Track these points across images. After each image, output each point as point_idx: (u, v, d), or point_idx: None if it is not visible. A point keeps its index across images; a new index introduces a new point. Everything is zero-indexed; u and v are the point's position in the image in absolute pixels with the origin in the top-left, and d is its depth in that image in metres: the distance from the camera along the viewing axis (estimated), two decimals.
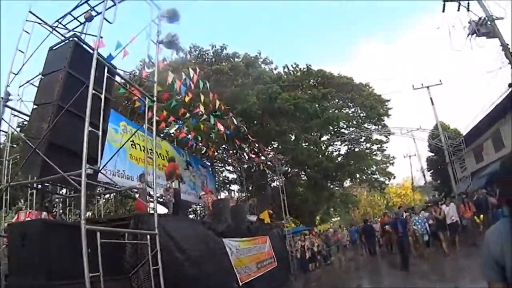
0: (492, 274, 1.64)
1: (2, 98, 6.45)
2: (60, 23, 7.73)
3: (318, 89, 20.59)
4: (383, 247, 18.28)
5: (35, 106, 6.38)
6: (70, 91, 6.18)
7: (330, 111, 17.41)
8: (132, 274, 6.22)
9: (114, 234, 6.03)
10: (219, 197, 15.02)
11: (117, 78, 7.50)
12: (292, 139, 16.93)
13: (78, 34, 7.05)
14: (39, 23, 7.19)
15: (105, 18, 6.61)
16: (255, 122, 15.97)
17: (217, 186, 22.26)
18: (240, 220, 13.00)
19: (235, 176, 23.98)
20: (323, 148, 23.03)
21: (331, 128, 19.98)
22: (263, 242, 13.15)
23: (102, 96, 5.97)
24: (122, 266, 6.34)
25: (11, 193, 10.49)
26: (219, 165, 23.62)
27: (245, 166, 18.20)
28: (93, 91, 5.80)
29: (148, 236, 6.16)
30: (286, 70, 18.21)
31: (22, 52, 6.77)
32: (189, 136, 14.13)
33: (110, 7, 7.05)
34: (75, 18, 7.83)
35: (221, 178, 25.12)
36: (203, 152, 16.43)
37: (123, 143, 11.59)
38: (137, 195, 9.18)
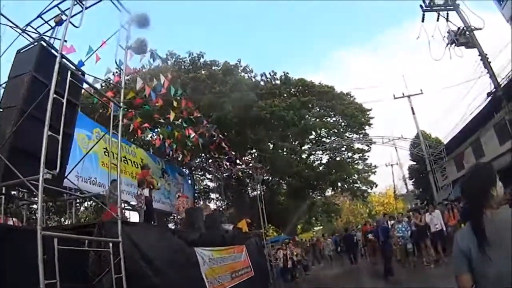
0: (460, 266, 2.02)
1: None
2: (30, 26, 7.63)
3: (298, 97, 20.94)
4: (365, 257, 18.38)
5: (0, 110, 6.29)
6: (35, 95, 6.11)
7: (308, 119, 17.57)
8: (96, 282, 6.11)
9: (76, 241, 5.96)
10: (196, 205, 14.94)
11: (86, 84, 7.43)
12: (270, 148, 17.02)
13: (47, 38, 6.99)
14: (10, 26, 7.09)
15: (71, 23, 6.57)
16: (232, 130, 15.99)
17: (197, 194, 22.25)
18: (215, 229, 12.95)
19: (215, 184, 23.96)
20: (303, 157, 23.25)
21: (310, 136, 20.15)
22: (239, 251, 13.09)
23: (64, 100, 5.90)
24: (86, 274, 6.23)
25: None
26: (199, 173, 23.53)
27: (224, 174, 18.20)
28: (55, 95, 5.73)
29: (111, 244, 6.07)
30: (264, 78, 18.36)
31: None
32: (166, 143, 14.07)
33: (77, 13, 7.02)
34: (46, 22, 7.75)
35: (201, 187, 25.08)
36: (179, 159, 16.35)
37: (93, 150, 11.75)
38: (110, 200, 9.05)
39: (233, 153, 15.50)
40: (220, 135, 14.33)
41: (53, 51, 6.76)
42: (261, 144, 16.95)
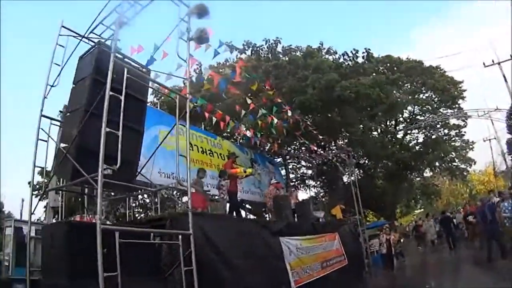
0: None
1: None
2: (93, 32, 7.81)
3: (386, 75, 19.54)
4: (466, 241, 16.19)
5: (67, 114, 6.55)
6: (97, 95, 6.11)
7: (396, 96, 15.83)
8: (168, 275, 6.01)
9: (148, 235, 5.95)
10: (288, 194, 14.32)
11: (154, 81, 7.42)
12: (360, 129, 15.71)
13: (103, 40, 7.10)
14: (73, 36, 7.36)
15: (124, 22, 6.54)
16: (317, 114, 15.11)
17: (292, 182, 21.95)
18: (304, 217, 12.35)
19: (311, 172, 23.34)
20: (398, 137, 21.54)
21: (403, 115, 18.32)
22: (331, 239, 12.35)
23: (122, 97, 5.83)
24: (159, 267, 6.18)
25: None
26: (295, 161, 23.11)
27: (317, 161, 17.44)
28: (112, 93, 5.69)
29: (180, 237, 5.88)
30: (346, 57, 17.07)
31: (58, 65, 6.93)
32: (248, 133, 13.84)
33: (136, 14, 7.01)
34: (108, 27, 7.92)
35: (298, 175, 24.71)
36: (267, 148, 16.03)
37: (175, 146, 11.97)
38: (193, 190, 9.05)
39: (321, 137, 14.61)
40: (305, 120, 13.57)
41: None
42: (349, 126, 15.73)
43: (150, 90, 9.26)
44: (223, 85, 10.91)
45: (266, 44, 16.93)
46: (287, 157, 20.76)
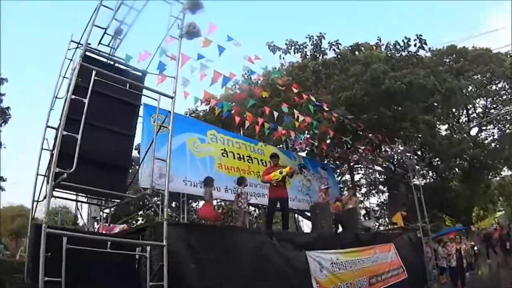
0: None
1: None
2: (100, 43, 7.43)
3: (450, 65, 17.12)
4: None
5: None
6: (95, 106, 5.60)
7: (459, 83, 13.31)
8: None
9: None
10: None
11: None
12: (417, 124, 13.45)
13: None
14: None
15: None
16: (365, 110, 13.28)
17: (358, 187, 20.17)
18: (350, 226, 10.89)
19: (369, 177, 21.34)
20: (472, 133, 18.64)
21: (461, 105, 15.56)
22: (383, 251, 10.69)
23: (86, 101, 5.15)
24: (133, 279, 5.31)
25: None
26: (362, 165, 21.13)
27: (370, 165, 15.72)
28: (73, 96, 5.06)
29: (148, 248, 5.03)
30: (397, 47, 14.97)
31: (66, 78, 6.55)
32: (292, 136, 12.61)
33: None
34: (114, 37, 7.59)
35: (357, 180, 22.73)
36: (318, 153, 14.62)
37: (208, 152, 11.21)
38: (206, 198, 8.19)
39: (370, 135, 12.80)
40: (348, 117, 11.94)
41: (98, 57, 6.56)
42: (402, 121, 13.60)
43: None
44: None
45: (310, 41, 15.46)
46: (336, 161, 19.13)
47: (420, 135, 14.76)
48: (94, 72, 5.51)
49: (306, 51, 15.80)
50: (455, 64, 19.11)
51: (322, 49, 15.46)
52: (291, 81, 13.98)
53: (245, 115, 11.35)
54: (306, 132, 13.24)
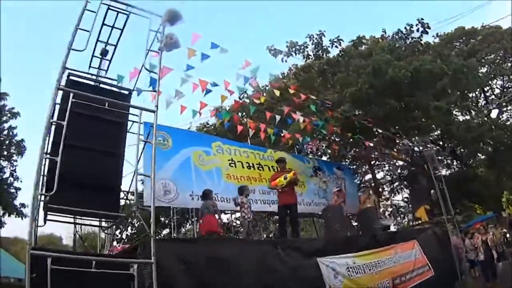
0: None
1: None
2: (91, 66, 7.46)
3: (460, 48, 16.62)
4: None
5: None
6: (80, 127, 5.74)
7: (460, 63, 12.48)
8: None
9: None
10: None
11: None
12: (430, 112, 12.70)
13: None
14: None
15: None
16: (371, 104, 12.70)
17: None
18: (367, 227, 10.42)
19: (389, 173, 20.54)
20: (492, 116, 17.63)
21: (473, 87, 14.66)
22: (406, 249, 10.14)
23: (65, 124, 5.04)
24: None
25: None
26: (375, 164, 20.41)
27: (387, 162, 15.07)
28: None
29: (135, 266, 4.79)
30: (399, 34, 14.36)
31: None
32: (299, 138, 12.22)
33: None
34: (101, 58, 7.55)
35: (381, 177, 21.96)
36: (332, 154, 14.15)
37: (215, 164, 10.98)
38: (205, 211, 7.92)
39: (379, 130, 12.26)
40: (356, 113, 11.46)
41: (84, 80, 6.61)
42: (411, 110, 12.92)
43: None
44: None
45: (310, 40, 15.03)
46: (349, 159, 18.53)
47: (434, 124, 13.99)
48: (71, 95, 5.52)
49: (307, 51, 15.32)
50: (465, 47, 18.29)
51: (324, 47, 14.99)
52: (296, 84, 13.68)
53: (243, 122, 11.10)
54: (314, 134, 12.67)
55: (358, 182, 19.01)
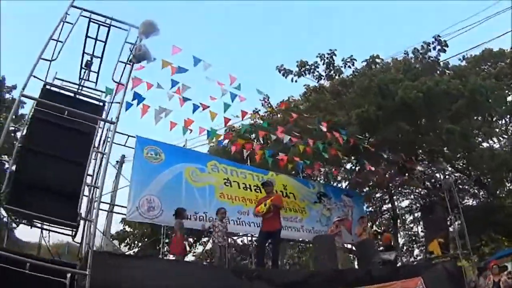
0: None
1: None
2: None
3: (488, 71, 15.87)
4: None
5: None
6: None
7: (478, 83, 11.62)
8: None
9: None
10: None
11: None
12: (442, 136, 11.92)
13: None
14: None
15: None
16: (379, 126, 12.11)
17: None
18: (363, 261, 9.91)
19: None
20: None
21: (493, 107, 13.66)
22: (408, 286, 9.16)
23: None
24: None
25: None
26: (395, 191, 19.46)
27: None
28: None
29: (68, 275, 4.82)
30: (415, 53, 13.77)
31: None
32: (299, 162, 11.82)
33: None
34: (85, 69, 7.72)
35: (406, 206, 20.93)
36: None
37: (209, 182, 10.78)
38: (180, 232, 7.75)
39: (384, 155, 11.69)
40: (360, 136, 10.96)
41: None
42: (424, 134, 12.21)
43: None
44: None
45: (321, 60, 14.73)
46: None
47: (449, 149, 13.12)
48: (34, 103, 6.03)
49: (319, 72, 14.98)
50: (493, 70, 17.13)
51: (337, 67, 14.63)
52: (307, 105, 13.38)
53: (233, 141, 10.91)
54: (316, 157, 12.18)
55: (372, 210, 18.26)
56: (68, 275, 4.73)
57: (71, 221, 5.81)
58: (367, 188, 17.47)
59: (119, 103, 6.12)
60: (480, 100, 11.39)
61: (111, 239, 13.86)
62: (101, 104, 7.06)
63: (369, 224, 12.15)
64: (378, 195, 19.44)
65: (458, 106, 11.39)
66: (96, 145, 6.69)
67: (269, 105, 16.30)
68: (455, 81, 11.50)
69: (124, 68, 7.03)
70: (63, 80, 7.40)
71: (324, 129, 10.81)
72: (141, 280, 5.16)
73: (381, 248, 11.30)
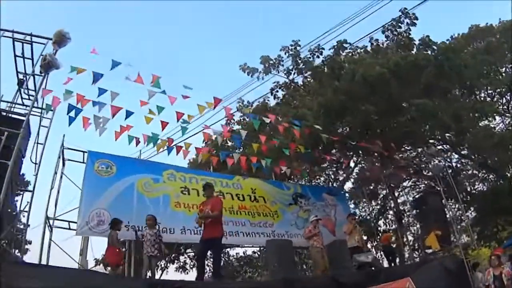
0: None
1: None
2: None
3: (476, 47, 15.58)
4: None
5: None
6: None
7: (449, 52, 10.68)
8: None
9: None
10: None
11: None
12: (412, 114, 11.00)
13: None
14: None
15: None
16: (346, 114, 11.40)
17: None
18: (335, 264, 8.90)
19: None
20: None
21: (479, 81, 12.67)
22: None
23: None
24: None
25: None
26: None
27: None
28: None
29: None
30: (387, 33, 13.10)
31: None
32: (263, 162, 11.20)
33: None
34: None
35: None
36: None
37: (163, 191, 10.54)
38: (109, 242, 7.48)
39: (353, 143, 10.95)
40: (318, 126, 10.25)
41: None
42: (388, 115, 11.39)
43: None
44: None
45: (285, 53, 14.15)
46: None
47: (430, 131, 12.19)
48: None
49: (288, 66, 14.44)
50: (481, 44, 16.77)
51: (304, 59, 14.04)
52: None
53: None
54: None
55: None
56: None
57: None
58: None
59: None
60: (447, 66, 10.47)
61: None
62: (23, 118, 6.86)
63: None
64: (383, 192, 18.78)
65: (426, 75, 10.47)
66: None
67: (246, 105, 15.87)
68: (425, 53, 10.70)
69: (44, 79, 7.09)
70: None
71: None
72: None
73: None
